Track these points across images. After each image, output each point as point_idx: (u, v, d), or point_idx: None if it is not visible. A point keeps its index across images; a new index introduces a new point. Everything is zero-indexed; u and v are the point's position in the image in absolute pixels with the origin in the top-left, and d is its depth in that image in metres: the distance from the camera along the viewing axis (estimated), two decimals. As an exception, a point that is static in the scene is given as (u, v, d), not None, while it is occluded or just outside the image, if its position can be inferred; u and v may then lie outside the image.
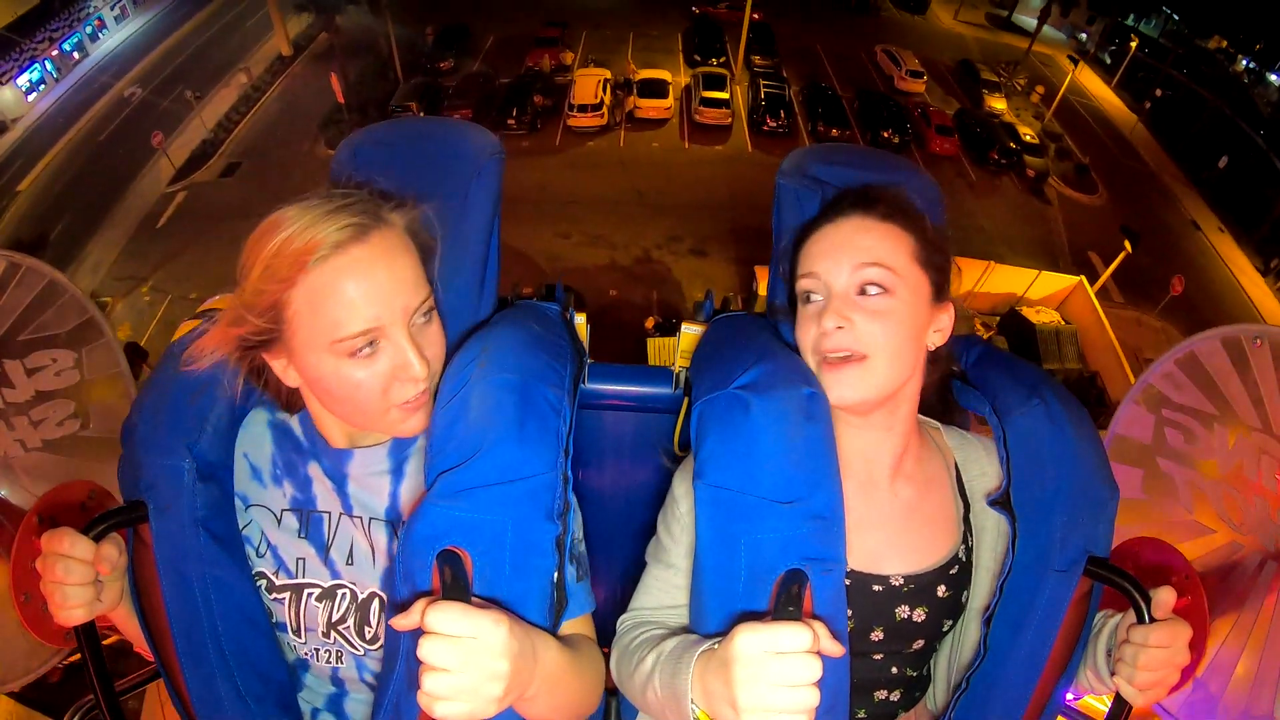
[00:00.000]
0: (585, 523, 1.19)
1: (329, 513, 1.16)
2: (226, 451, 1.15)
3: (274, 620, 1.16)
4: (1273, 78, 26.85)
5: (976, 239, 17.14)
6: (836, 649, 0.88)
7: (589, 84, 19.97)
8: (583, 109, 19.49)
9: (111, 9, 25.73)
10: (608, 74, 20.84)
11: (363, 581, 1.15)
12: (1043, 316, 13.51)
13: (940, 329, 1.18)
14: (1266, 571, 1.40)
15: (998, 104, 22.79)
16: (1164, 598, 1.03)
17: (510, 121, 19.10)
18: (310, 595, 1.15)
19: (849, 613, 1.06)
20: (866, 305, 1.11)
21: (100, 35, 25.14)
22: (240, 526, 1.16)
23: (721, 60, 23.06)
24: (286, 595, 1.15)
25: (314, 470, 1.17)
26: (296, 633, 1.16)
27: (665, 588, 1.20)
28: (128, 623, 1.16)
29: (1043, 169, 19.89)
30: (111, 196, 17.69)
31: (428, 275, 1.08)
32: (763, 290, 1.48)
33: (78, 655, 1.08)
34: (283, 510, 1.17)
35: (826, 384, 1.11)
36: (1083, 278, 14.21)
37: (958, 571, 1.18)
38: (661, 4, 26.73)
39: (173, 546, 1.07)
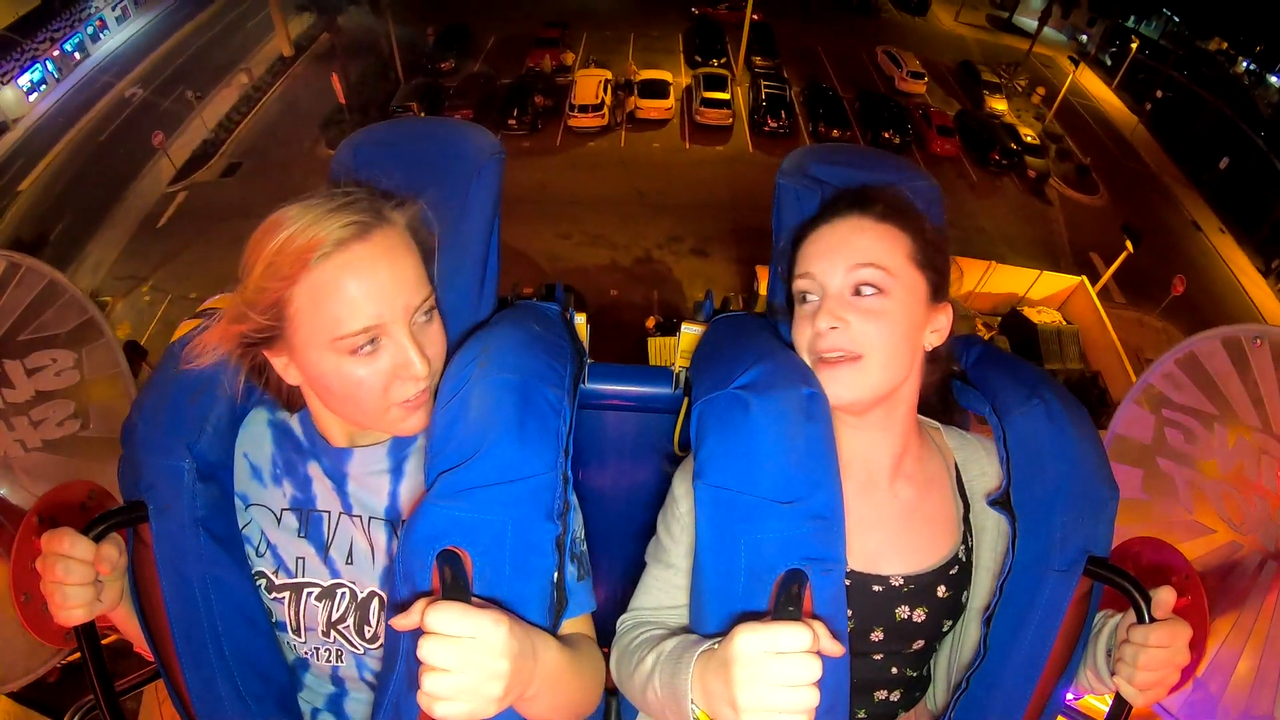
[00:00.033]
0: (585, 523, 1.19)
1: (328, 512, 1.16)
2: (226, 451, 1.15)
3: (274, 620, 1.16)
4: (1273, 79, 26.82)
5: (977, 239, 17.14)
6: (836, 649, 0.88)
7: (590, 84, 19.97)
8: (583, 109, 19.49)
9: (113, 9, 25.76)
10: (608, 74, 20.85)
11: (362, 581, 1.15)
12: (1044, 317, 13.51)
13: (938, 329, 1.18)
14: (1266, 571, 1.40)
15: (999, 105, 22.78)
16: (1164, 598, 1.03)
17: (511, 122, 19.09)
18: (310, 594, 1.15)
19: (849, 613, 1.06)
20: (861, 305, 1.11)
21: (101, 36, 25.16)
22: (240, 526, 1.16)
23: (722, 61, 23.04)
24: (286, 594, 1.15)
25: (314, 469, 1.17)
26: (296, 632, 1.16)
27: (665, 588, 1.20)
28: (128, 623, 1.16)
29: (1044, 170, 19.89)
30: (112, 196, 17.70)
31: (429, 274, 1.08)
32: (764, 290, 1.48)
33: (77, 655, 1.08)
34: (282, 510, 1.17)
35: (822, 383, 1.12)
36: (1084, 278, 14.21)
37: (958, 572, 1.18)
38: (662, 5, 26.73)
39: (173, 546, 1.07)
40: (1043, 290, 14.37)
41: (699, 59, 23.04)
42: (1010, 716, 1.10)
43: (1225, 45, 28.91)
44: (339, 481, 1.16)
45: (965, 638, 1.22)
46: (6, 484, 1.67)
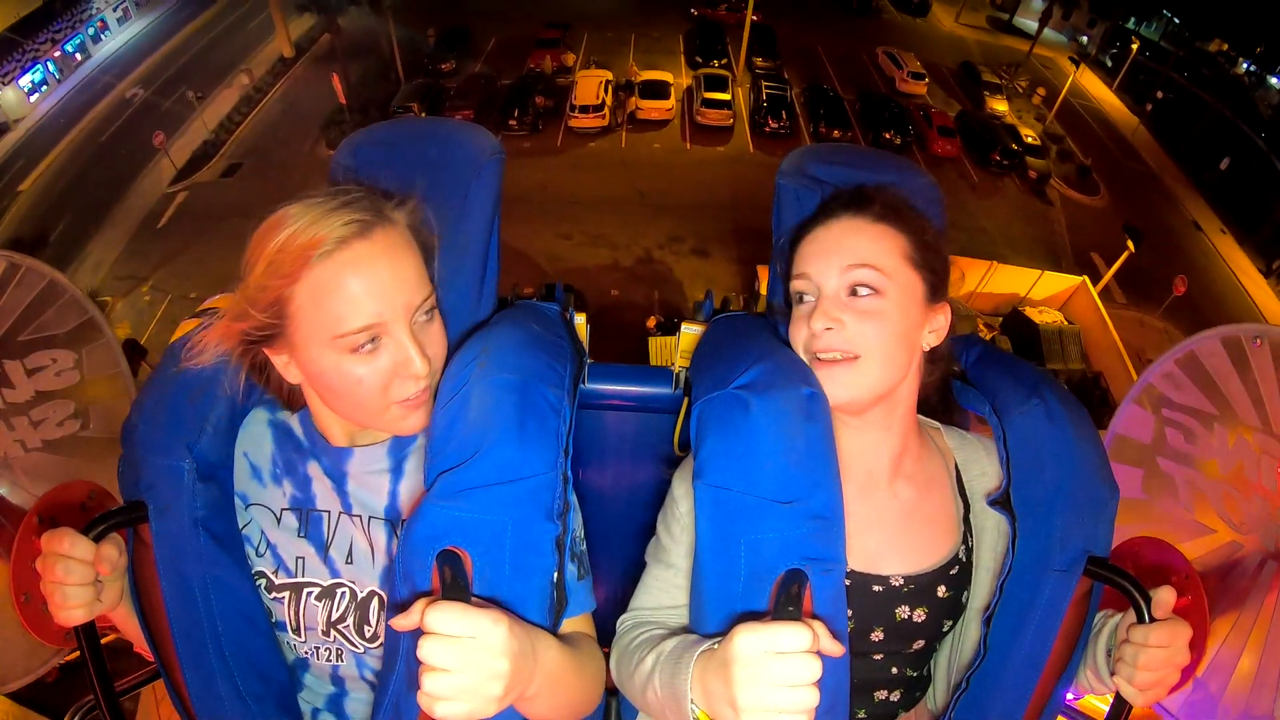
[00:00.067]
0: (585, 523, 1.19)
1: (328, 511, 1.16)
2: (226, 451, 1.15)
3: (273, 619, 1.16)
4: (1273, 80, 26.80)
5: (979, 240, 17.15)
6: (836, 649, 0.88)
7: (590, 85, 19.99)
8: (584, 110, 19.50)
9: (114, 11, 25.78)
10: (609, 75, 20.87)
11: (362, 580, 1.15)
12: (1046, 317, 13.51)
13: (936, 329, 1.18)
14: (1266, 571, 1.40)
15: (999, 106, 22.79)
16: (1164, 597, 1.03)
17: (512, 122, 19.11)
18: (310, 594, 1.15)
19: (849, 613, 1.06)
20: (857, 306, 1.11)
21: (103, 37, 25.19)
22: (240, 526, 1.16)
23: (723, 62, 23.05)
24: (286, 594, 1.15)
25: (313, 469, 1.17)
26: (296, 631, 1.16)
27: (665, 588, 1.20)
28: (128, 623, 1.16)
29: (1044, 170, 19.90)
30: (113, 196, 17.72)
31: (430, 274, 1.09)
32: (765, 290, 1.48)
33: (75, 655, 1.08)
34: (282, 509, 1.17)
35: (820, 383, 1.11)
36: (1085, 278, 14.21)
37: (958, 572, 1.18)
38: (663, 6, 26.74)
39: (173, 547, 1.07)
40: (1044, 290, 14.37)
41: (700, 60, 23.05)
42: (1010, 716, 1.10)
43: (1225, 46, 28.88)
44: (339, 481, 1.16)
45: (965, 638, 1.22)
46: (6, 484, 1.67)
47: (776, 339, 1.24)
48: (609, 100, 19.82)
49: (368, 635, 1.15)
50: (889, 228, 1.14)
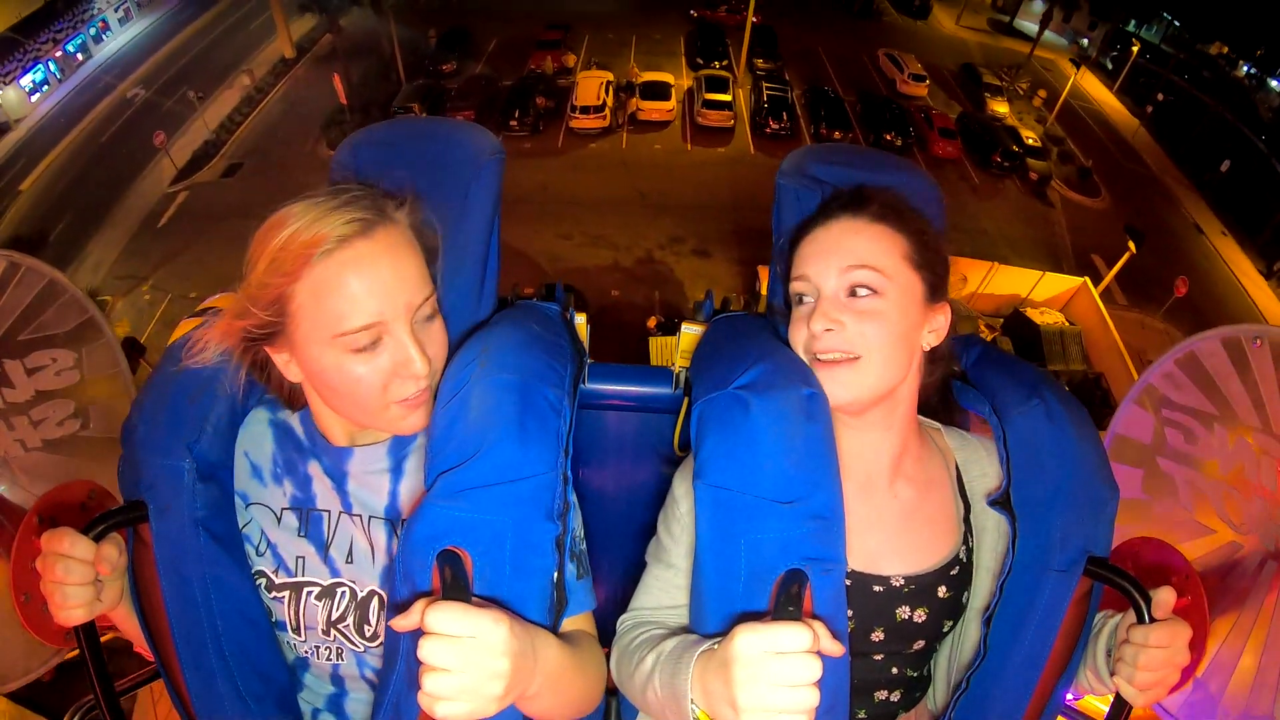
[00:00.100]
0: (586, 522, 1.19)
1: (328, 511, 1.16)
2: (226, 451, 1.15)
3: (273, 619, 1.16)
4: (1274, 83, 26.80)
5: (980, 241, 17.15)
6: (836, 649, 0.88)
7: (591, 86, 20.00)
8: (585, 111, 19.51)
9: (115, 11, 25.83)
10: (610, 76, 20.87)
11: (362, 580, 1.15)
12: (1047, 318, 13.50)
13: (935, 329, 1.18)
14: (1266, 571, 1.40)
15: (1000, 108, 22.80)
16: (1164, 598, 1.03)
17: (512, 123, 19.12)
18: (310, 593, 1.15)
19: (849, 613, 1.06)
20: (856, 307, 1.11)
21: (104, 37, 25.23)
22: (240, 525, 1.16)
23: (724, 63, 23.06)
24: (286, 594, 1.15)
25: (314, 469, 1.17)
26: (296, 631, 1.16)
27: (665, 588, 1.20)
28: (128, 623, 1.16)
29: (1045, 172, 19.90)
30: (113, 196, 17.74)
31: (431, 274, 1.09)
32: (765, 290, 1.48)
33: (74, 654, 1.08)
34: (282, 509, 1.17)
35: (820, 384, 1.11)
36: (1087, 279, 14.21)
37: (958, 572, 1.18)
38: (664, 7, 26.76)
39: (173, 546, 1.07)
40: (1045, 291, 14.37)
41: (700, 61, 23.06)
42: (1010, 716, 1.10)
43: (1226, 49, 28.89)
44: (339, 480, 1.16)
45: (965, 638, 1.22)
46: (6, 484, 1.66)
47: (777, 339, 1.24)
48: (610, 101, 19.82)
49: (368, 635, 1.15)
50: (888, 228, 1.14)
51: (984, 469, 1.24)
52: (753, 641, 0.83)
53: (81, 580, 1.01)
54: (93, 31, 24.67)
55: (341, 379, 1.01)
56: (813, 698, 0.81)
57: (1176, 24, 30.11)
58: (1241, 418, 1.46)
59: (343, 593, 1.15)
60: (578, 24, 25.02)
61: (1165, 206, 20.96)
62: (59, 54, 23.01)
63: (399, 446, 1.16)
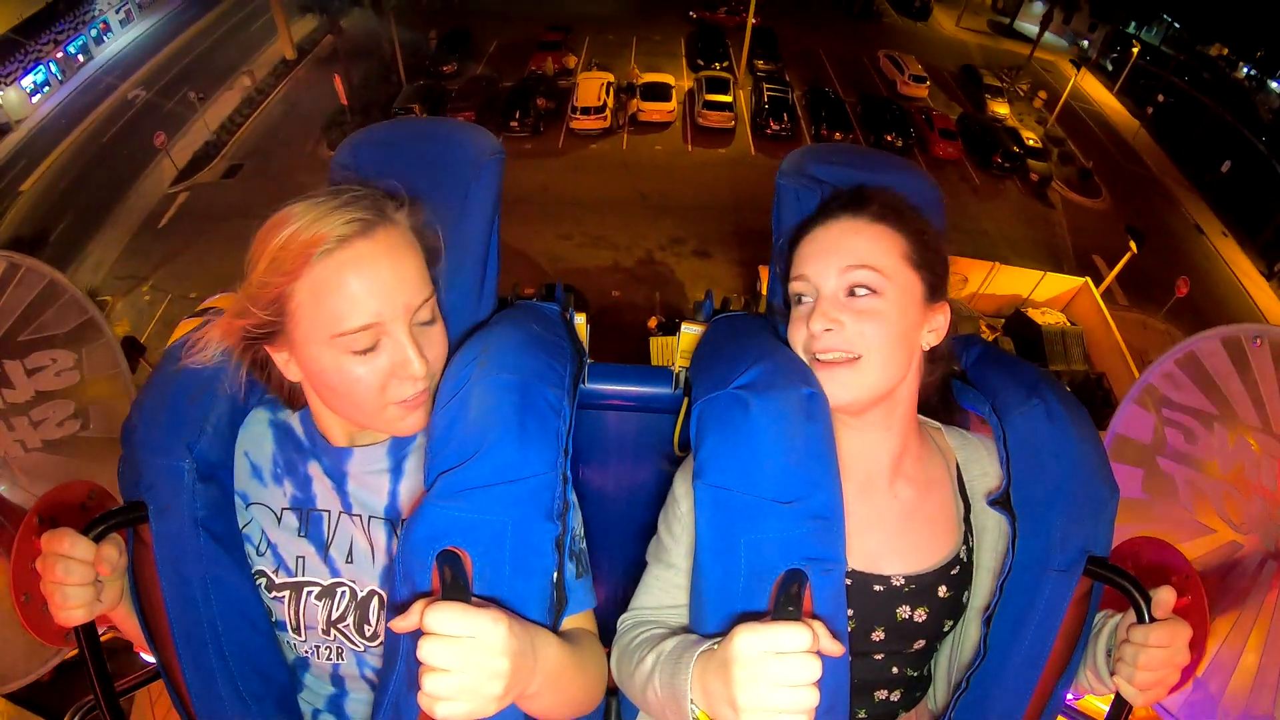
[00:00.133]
0: (586, 522, 1.19)
1: (328, 511, 1.16)
2: (226, 451, 1.15)
3: (273, 619, 1.16)
4: (1274, 85, 26.78)
5: (980, 242, 17.15)
6: (836, 649, 0.88)
7: (592, 87, 20.00)
8: (585, 111, 19.51)
9: (116, 12, 25.86)
10: (610, 77, 20.87)
11: (362, 579, 1.15)
12: (1048, 318, 13.50)
13: (935, 329, 1.18)
14: (1267, 571, 1.39)
15: (1000, 109, 22.81)
16: (1164, 597, 1.03)
17: (513, 124, 19.13)
18: (310, 593, 1.15)
19: (849, 613, 1.06)
20: (855, 307, 1.11)
21: (105, 38, 25.27)
22: (240, 525, 1.16)
23: (724, 64, 23.09)
24: (286, 594, 1.15)
25: (314, 469, 1.17)
26: (296, 631, 1.16)
27: (666, 587, 1.20)
28: (128, 623, 1.16)
29: (1046, 173, 19.91)
30: (113, 197, 17.76)
31: (431, 276, 1.09)
32: (766, 290, 1.48)
33: (74, 654, 1.08)
34: (283, 509, 1.17)
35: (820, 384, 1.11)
36: (1088, 279, 14.20)
37: (959, 572, 1.18)
38: (665, 9, 26.77)
39: (173, 546, 1.07)
40: (1046, 292, 14.37)
41: (701, 62, 23.09)
42: (1010, 716, 1.10)
43: (1226, 51, 28.88)
44: (339, 481, 1.16)
45: (965, 638, 1.21)
46: (6, 484, 1.66)
47: (776, 339, 1.24)
48: (610, 102, 19.82)
49: (368, 634, 1.15)
50: (887, 228, 1.14)
51: (984, 469, 1.24)
52: (752, 641, 0.82)
53: (81, 581, 1.01)
54: (94, 33, 24.71)
55: (340, 379, 1.01)
56: (813, 698, 0.81)
57: (1176, 26, 30.09)
58: (1242, 417, 1.45)
59: (343, 593, 1.15)
60: (578, 25, 25.03)
61: (1166, 207, 20.96)
62: (60, 55, 23.04)
63: (399, 447, 1.16)
